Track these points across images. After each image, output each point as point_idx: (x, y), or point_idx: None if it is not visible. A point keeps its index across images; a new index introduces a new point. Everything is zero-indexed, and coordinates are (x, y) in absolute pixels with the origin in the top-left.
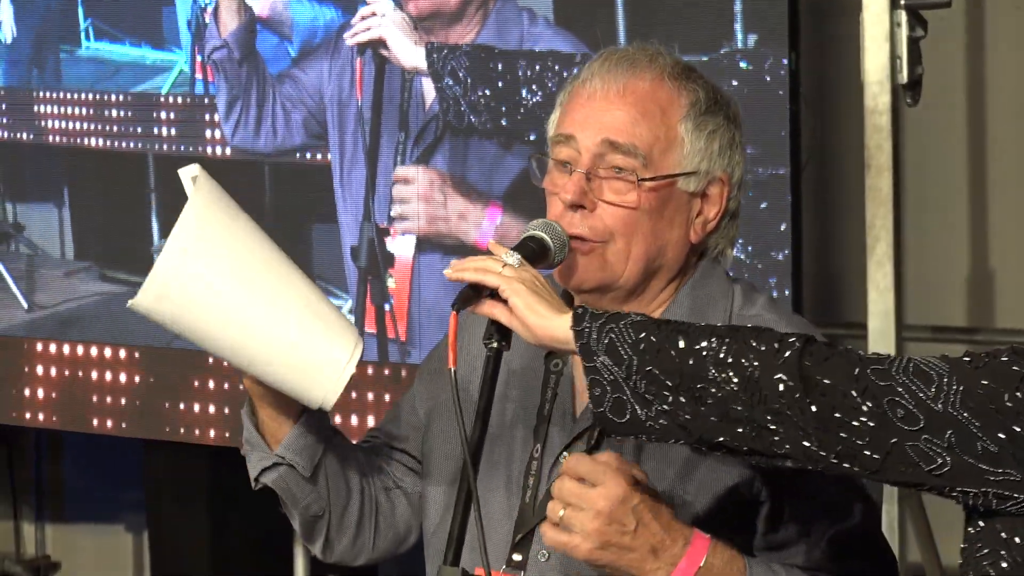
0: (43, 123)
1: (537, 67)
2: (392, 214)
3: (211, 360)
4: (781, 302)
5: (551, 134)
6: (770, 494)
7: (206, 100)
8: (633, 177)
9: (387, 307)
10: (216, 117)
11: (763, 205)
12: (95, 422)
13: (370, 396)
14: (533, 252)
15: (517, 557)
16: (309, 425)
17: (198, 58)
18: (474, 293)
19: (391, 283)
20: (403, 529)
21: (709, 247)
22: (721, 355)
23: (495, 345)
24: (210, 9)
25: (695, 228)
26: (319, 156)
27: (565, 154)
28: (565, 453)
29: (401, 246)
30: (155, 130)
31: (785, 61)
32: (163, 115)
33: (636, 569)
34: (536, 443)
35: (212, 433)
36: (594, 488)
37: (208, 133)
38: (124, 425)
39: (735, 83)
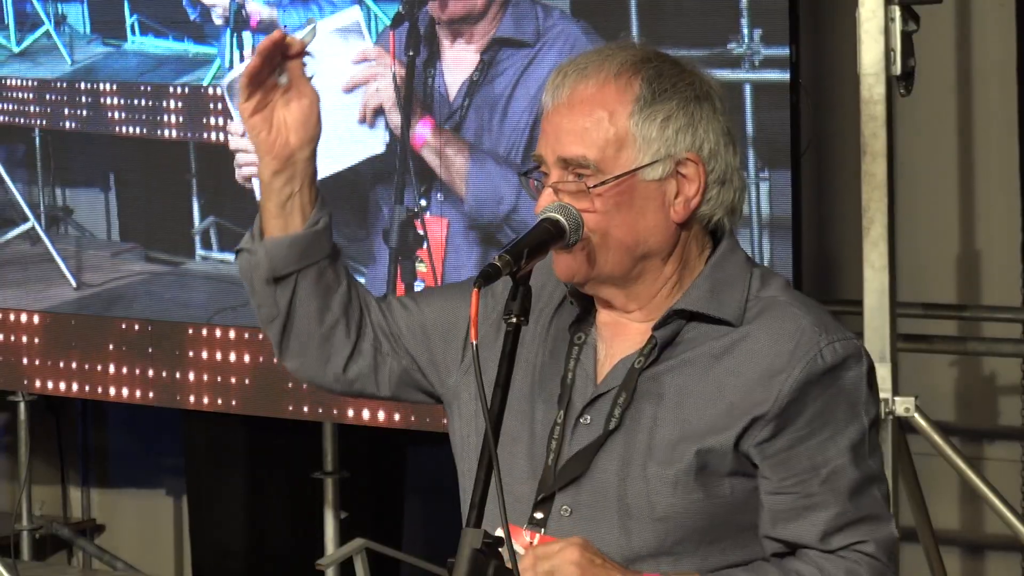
0: (92, 113)
1: None
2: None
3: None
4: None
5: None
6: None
7: None
8: (587, 185)
9: (416, 285)
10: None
11: (764, 189)
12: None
13: None
14: (549, 233)
15: (539, 515)
16: (297, 241)
17: (237, 51)
18: (495, 271)
19: (420, 266)
20: (384, 392)
21: (701, 218)
22: None
23: (514, 320)
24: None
25: (675, 208)
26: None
27: (544, 171)
28: (587, 416)
29: (431, 228)
30: (196, 119)
31: (787, 53)
32: (205, 105)
33: None
34: (560, 409)
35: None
36: (558, 551)
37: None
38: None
39: (741, 74)
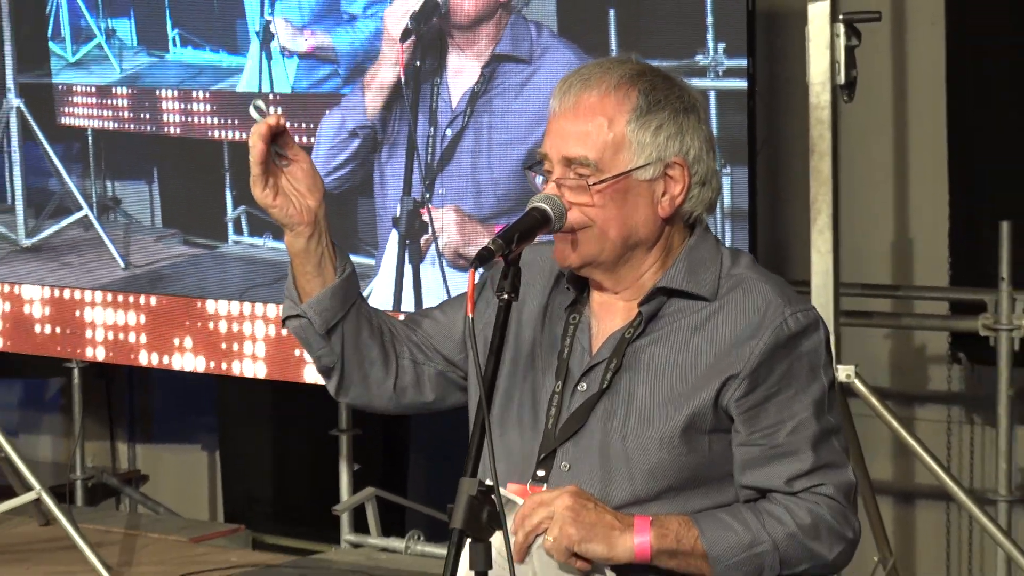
0: (138, 115)
1: None
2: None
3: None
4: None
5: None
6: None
7: (271, 96)
8: (587, 182)
9: (421, 266)
10: (278, 110)
11: (726, 183)
12: (172, 361)
13: None
14: (537, 220)
15: (541, 472)
16: (336, 291)
17: (265, 61)
18: (488, 254)
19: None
20: (430, 397)
21: (683, 214)
22: None
23: (506, 297)
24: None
25: (662, 205)
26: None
27: (547, 167)
28: (583, 383)
29: (436, 216)
30: (230, 121)
31: (745, 64)
32: (236, 108)
33: (606, 538)
34: (557, 380)
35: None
36: (554, 498)
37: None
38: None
39: (706, 82)
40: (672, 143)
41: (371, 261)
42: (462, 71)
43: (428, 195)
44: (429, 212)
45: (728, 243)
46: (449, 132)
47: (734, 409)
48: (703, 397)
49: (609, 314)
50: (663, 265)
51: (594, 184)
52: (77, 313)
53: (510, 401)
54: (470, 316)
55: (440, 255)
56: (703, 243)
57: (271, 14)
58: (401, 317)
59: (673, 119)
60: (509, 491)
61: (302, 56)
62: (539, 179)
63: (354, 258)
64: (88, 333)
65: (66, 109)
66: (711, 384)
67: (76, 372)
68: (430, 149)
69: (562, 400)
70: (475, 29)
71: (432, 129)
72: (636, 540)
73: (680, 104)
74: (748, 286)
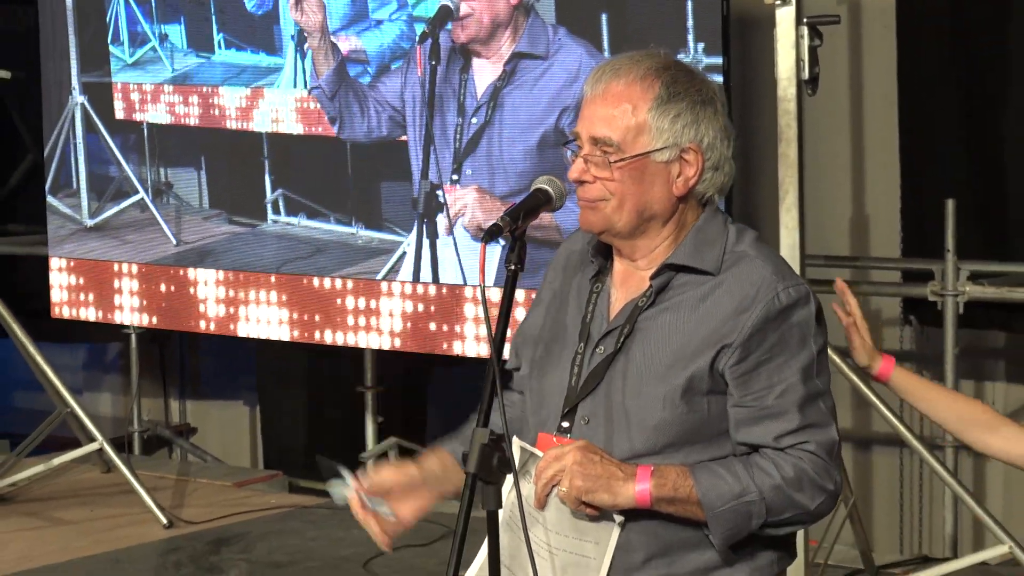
0: (188, 110)
1: None
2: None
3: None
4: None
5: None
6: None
7: (306, 93)
8: (608, 159)
9: (438, 242)
10: (313, 106)
11: None
12: (218, 327)
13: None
14: (540, 200)
15: (565, 424)
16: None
17: (299, 61)
18: (497, 229)
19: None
20: None
21: (697, 194)
22: None
23: (512, 268)
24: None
25: (677, 185)
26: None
27: (578, 143)
28: (602, 346)
29: (460, 195)
30: (268, 115)
31: (721, 62)
32: (275, 104)
33: (611, 488)
34: (580, 342)
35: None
36: (565, 453)
37: (307, 117)
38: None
39: None
40: (688, 130)
41: (399, 239)
42: (485, 69)
43: (456, 177)
44: (444, 194)
45: None
46: (475, 121)
47: (728, 374)
48: (701, 362)
49: (627, 284)
50: (676, 240)
51: (615, 162)
52: (136, 285)
53: (549, 354)
54: (482, 285)
55: (451, 232)
56: (712, 221)
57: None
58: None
59: (691, 109)
60: (534, 445)
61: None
62: (569, 153)
63: (378, 235)
64: (143, 301)
65: (123, 105)
66: (708, 351)
67: (133, 337)
68: (458, 136)
69: (583, 360)
70: (494, 36)
71: (460, 119)
72: (637, 488)
73: (699, 96)
74: (747, 263)
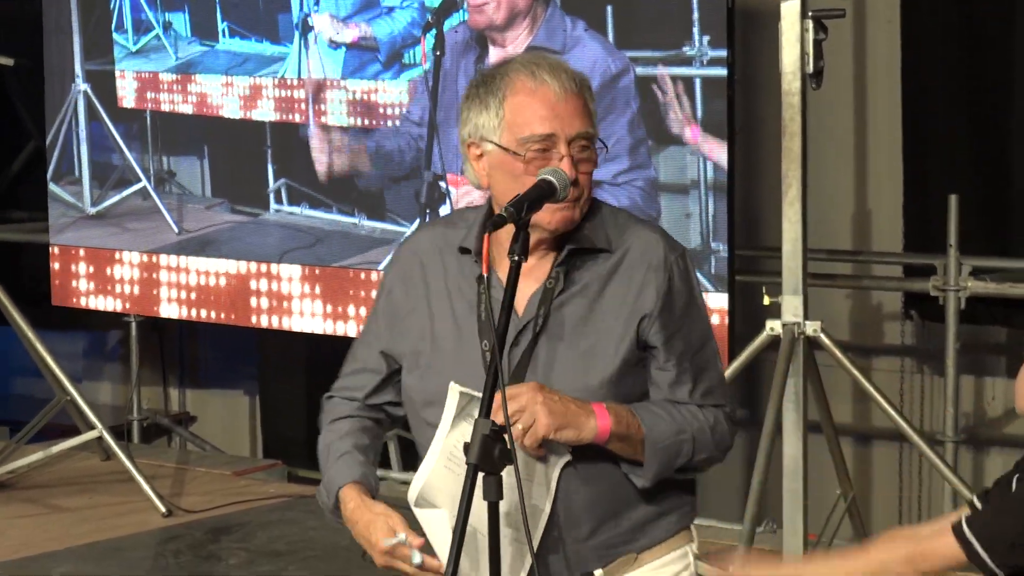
0: (190, 98)
1: None
2: None
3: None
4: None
5: (524, 134)
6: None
7: (308, 84)
8: (590, 153)
9: None
10: (313, 94)
11: (709, 167)
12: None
13: None
14: (543, 190)
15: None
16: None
17: (304, 50)
18: (501, 220)
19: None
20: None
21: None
22: None
23: (517, 259)
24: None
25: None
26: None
27: (544, 146)
28: (519, 341)
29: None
30: (272, 105)
31: (725, 55)
32: (279, 93)
33: (577, 424)
34: (483, 340)
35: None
36: (523, 392)
37: (313, 107)
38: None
39: (693, 70)
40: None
41: (403, 229)
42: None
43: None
44: (447, 184)
45: (711, 211)
46: None
47: (651, 341)
48: (628, 339)
49: (528, 276)
50: None
51: (594, 154)
52: (137, 273)
53: (440, 352)
54: (485, 275)
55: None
56: (596, 205)
57: (316, 9)
58: None
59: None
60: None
61: (348, 47)
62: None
63: (382, 225)
64: (140, 290)
65: (127, 93)
66: (631, 327)
67: (133, 325)
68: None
69: (504, 354)
70: (511, 26)
71: None
72: (599, 423)
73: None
74: (634, 234)
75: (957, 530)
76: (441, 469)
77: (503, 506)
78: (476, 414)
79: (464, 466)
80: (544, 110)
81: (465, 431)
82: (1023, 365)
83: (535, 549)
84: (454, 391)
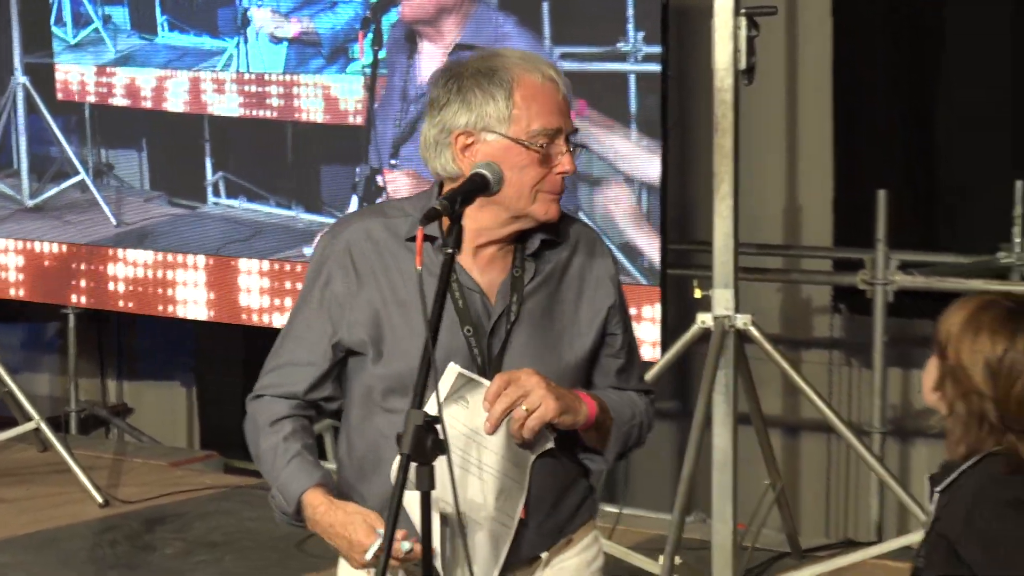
0: (129, 92)
1: None
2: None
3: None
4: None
5: (536, 127)
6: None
7: (248, 76)
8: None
9: None
10: (254, 89)
11: (643, 156)
12: (160, 308)
13: None
14: (478, 184)
15: None
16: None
17: (244, 44)
18: (435, 213)
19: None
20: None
21: None
22: None
23: (451, 251)
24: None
25: None
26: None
27: (550, 139)
28: (498, 329)
29: (391, 179)
30: (210, 98)
31: (659, 51)
32: (218, 87)
33: (575, 409)
34: (465, 325)
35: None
36: (521, 375)
37: (249, 100)
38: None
39: (627, 66)
40: None
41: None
42: (432, 56)
43: (395, 161)
44: (383, 178)
45: (643, 208)
46: (413, 109)
47: (612, 330)
48: (596, 328)
49: (488, 269)
50: None
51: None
52: (74, 265)
53: (398, 339)
54: (419, 268)
55: None
56: None
57: (257, 4)
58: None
59: None
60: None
61: (291, 41)
62: (542, 148)
63: (319, 218)
64: (81, 282)
65: (66, 86)
66: (599, 315)
67: (71, 317)
68: (398, 122)
69: (478, 343)
70: (440, 21)
71: (402, 104)
72: (588, 410)
73: None
74: (573, 225)
75: None
76: None
77: (487, 491)
78: (469, 396)
79: (454, 447)
80: (552, 105)
81: (456, 413)
82: (928, 359)
83: (512, 534)
84: (452, 371)
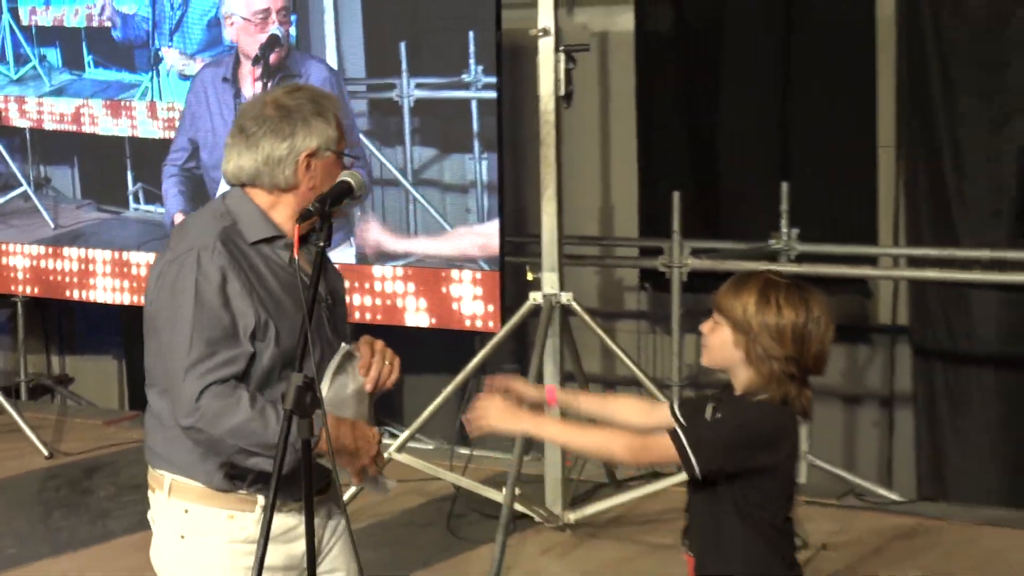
0: (63, 118)
1: None
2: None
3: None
4: None
5: (345, 142)
6: None
7: (160, 106)
8: None
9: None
10: (167, 115)
11: (484, 165)
12: (90, 295)
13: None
14: (344, 189)
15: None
16: None
17: (156, 79)
18: (309, 213)
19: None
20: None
21: None
22: None
23: (322, 244)
24: (163, 52)
25: None
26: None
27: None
28: (329, 297)
29: None
30: (130, 123)
31: (495, 80)
32: (134, 113)
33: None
34: (328, 299)
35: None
36: (373, 342)
37: (162, 125)
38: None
39: (470, 93)
40: None
41: None
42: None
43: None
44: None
45: (485, 209)
46: None
47: None
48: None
49: (303, 257)
50: None
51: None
52: (21, 262)
53: (285, 317)
54: (296, 258)
55: None
56: None
57: (169, 45)
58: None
59: None
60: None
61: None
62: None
63: None
64: (28, 275)
65: (10, 113)
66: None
67: (19, 304)
68: None
69: (307, 323)
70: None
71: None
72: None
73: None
74: None
75: (674, 437)
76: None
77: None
78: (349, 368)
79: (343, 408)
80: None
81: (342, 381)
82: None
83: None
84: (343, 349)
